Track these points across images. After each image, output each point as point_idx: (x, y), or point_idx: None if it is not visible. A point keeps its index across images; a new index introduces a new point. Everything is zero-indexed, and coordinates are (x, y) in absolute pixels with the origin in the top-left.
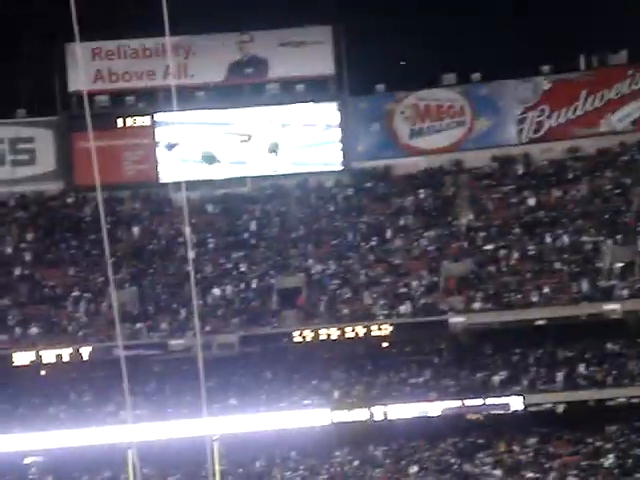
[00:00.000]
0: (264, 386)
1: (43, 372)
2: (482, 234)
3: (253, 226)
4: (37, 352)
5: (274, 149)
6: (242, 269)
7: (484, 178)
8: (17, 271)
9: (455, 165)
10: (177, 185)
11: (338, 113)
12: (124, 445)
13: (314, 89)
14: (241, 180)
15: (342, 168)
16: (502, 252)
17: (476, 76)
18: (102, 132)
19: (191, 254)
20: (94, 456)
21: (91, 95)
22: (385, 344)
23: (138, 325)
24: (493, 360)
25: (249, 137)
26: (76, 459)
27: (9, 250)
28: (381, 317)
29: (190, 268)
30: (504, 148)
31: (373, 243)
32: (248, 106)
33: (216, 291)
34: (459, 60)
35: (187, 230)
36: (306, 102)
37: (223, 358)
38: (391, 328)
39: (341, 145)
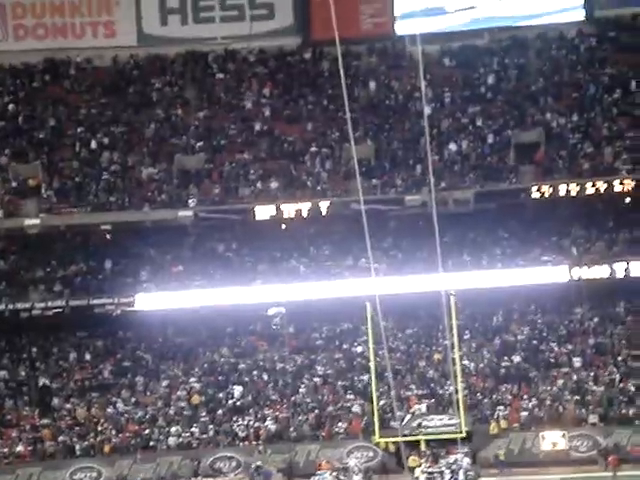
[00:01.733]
0: (500, 243)
1: (283, 226)
2: None
3: (490, 79)
4: (277, 206)
5: None
6: (479, 124)
7: None
8: (257, 126)
9: None
10: (413, 38)
11: None
12: (363, 298)
13: None
14: (478, 32)
15: (584, 17)
16: None
17: None
18: None
19: (427, 109)
20: (334, 308)
21: None
22: (627, 200)
23: (374, 181)
24: None
25: None
26: (316, 311)
27: (249, 105)
28: (623, 172)
29: (425, 123)
30: None
31: (616, 95)
32: None
33: (452, 146)
34: None
35: (422, 84)
36: None
37: (458, 214)
38: (634, 184)
39: None
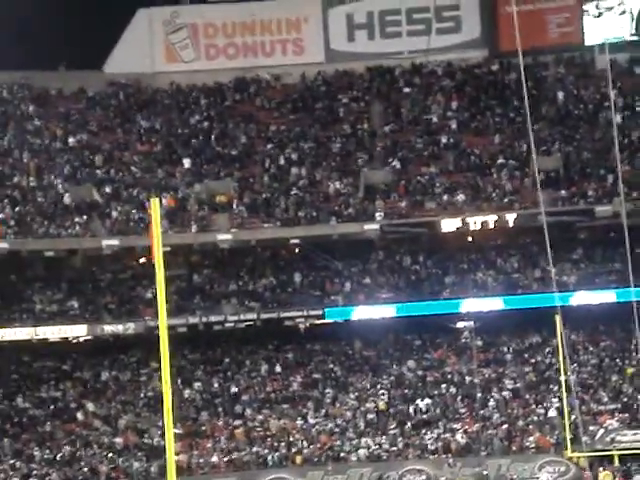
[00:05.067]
0: None
1: (469, 238)
2: None
3: None
4: (463, 219)
5: None
6: None
7: None
8: (443, 139)
9: None
10: (603, 47)
11: None
12: (552, 311)
13: None
14: None
15: None
16: None
17: None
18: None
19: (616, 118)
20: (522, 321)
21: None
22: None
23: (563, 192)
24: None
25: None
26: (504, 323)
27: (435, 119)
28: None
29: (615, 132)
30: None
31: None
32: None
33: None
34: None
35: (612, 93)
36: None
37: None
38: None
39: None
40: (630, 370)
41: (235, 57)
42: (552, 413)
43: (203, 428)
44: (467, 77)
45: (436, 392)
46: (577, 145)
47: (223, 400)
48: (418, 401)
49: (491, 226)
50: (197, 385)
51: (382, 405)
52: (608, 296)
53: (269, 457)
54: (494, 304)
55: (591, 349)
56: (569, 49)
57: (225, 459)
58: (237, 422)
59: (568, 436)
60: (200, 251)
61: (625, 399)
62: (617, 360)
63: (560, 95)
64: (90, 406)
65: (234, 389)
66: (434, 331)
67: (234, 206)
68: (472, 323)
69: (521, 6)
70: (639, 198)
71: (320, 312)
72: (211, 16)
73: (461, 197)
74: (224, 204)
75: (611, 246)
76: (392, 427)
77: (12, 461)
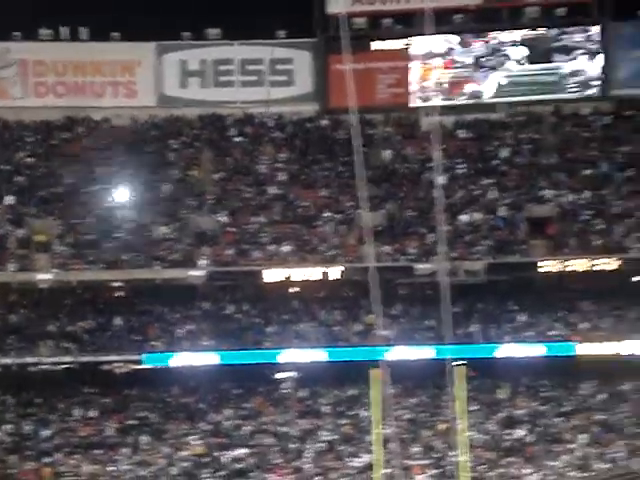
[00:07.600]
0: (509, 315)
1: (292, 290)
2: None
3: (504, 153)
4: (288, 270)
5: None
6: (492, 196)
7: None
8: (271, 190)
9: None
10: (428, 109)
11: (599, 38)
12: (370, 364)
13: (575, 13)
14: (493, 106)
15: (601, 95)
16: None
17: None
18: (358, 55)
19: (440, 179)
20: (342, 373)
21: (349, 17)
22: (637, 278)
23: (385, 248)
24: None
25: (504, 61)
26: (325, 375)
27: (264, 169)
28: (634, 250)
29: (438, 193)
30: None
31: (629, 174)
32: (505, 30)
33: (464, 217)
34: None
35: (436, 155)
36: (566, 26)
37: (469, 285)
38: None
39: (600, 71)
40: (442, 426)
41: (64, 96)
42: (365, 465)
43: (11, 471)
44: (298, 130)
45: (252, 442)
46: (401, 203)
47: (34, 443)
48: (233, 450)
49: (315, 278)
50: (7, 427)
51: (198, 452)
52: (427, 352)
53: None
54: (317, 355)
55: (406, 404)
56: (397, 109)
57: None
58: (47, 466)
59: None
60: (18, 290)
61: (436, 455)
62: (430, 416)
63: (386, 153)
64: None
65: (46, 432)
66: (255, 380)
67: (57, 246)
68: (294, 374)
69: (352, 64)
70: (458, 258)
71: (138, 357)
72: (42, 54)
73: (287, 248)
74: (46, 244)
75: (428, 303)
76: (206, 476)
77: None
